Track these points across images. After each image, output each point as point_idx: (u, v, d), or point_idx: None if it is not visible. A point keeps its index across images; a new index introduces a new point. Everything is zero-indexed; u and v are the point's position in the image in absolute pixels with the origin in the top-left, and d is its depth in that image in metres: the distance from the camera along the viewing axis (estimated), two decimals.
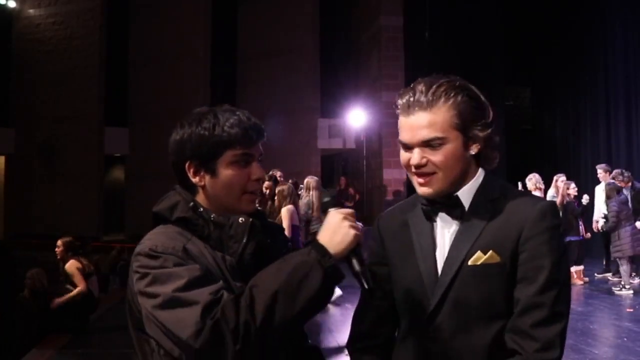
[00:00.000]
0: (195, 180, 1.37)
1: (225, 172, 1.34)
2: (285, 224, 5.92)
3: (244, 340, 1.14)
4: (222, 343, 1.15)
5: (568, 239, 8.66)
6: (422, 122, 1.32)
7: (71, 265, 6.27)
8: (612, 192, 8.14)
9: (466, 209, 1.38)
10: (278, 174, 7.28)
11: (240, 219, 1.34)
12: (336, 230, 1.24)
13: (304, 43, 15.25)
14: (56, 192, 15.38)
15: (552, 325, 1.28)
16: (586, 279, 8.72)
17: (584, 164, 12.73)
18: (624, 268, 7.96)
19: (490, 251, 1.32)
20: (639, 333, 5.95)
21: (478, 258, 1.33)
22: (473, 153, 1.37)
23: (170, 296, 1.19)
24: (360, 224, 1.27)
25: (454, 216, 1.39)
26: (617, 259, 8.15)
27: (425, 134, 1.32)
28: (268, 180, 6.33)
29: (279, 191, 6.16)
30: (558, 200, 8.78)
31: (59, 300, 6.17)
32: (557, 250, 1.31)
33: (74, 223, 14.61)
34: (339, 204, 1.48)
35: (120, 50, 16.17)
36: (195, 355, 1.17)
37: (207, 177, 1.36)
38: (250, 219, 1.34)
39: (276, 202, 6.19)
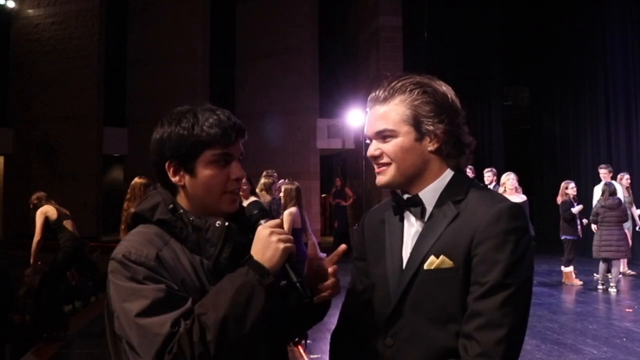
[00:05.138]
0: (175, 180, 1.36)
1: (204, 172, 1.33)
2: (285, 227, 5.85)
3: None
4: None
5: (564, 237, 8.68)
6: (377, 115, 1.41)
7: (40, 213, 6.06)
8: (605, 193, 8.27)
9: (429, 209, 1.38)
10: (275, 174, 7.22)
11: (217, 222, 1.32)
12: (266, 246, 1.28)
13: (302, 43, 15.24)
14: (55, 192, 15.33)
15: (494, 331, 1.23)
16: (580, 282, 8.73)
17: (583, 164, 12.71)
18: (614, 267, 8.15)
19: (442, 256, 1.31)
20: (638, 333, 5.96)
21: (432, 262, 1.32)
22: (431, 149, 1.38)
23: (133, 320, 1.20)
24: (289, 236, 1.31)
25: (416, 216, 1.40)
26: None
27: (378, 125, 1.40)
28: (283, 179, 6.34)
29: (285, 191, 6.04)
30: (558, 199, 8.80)
31: (32, 259, 6.03)
32: (511, 255, 1.26)
33: None
34: (267, 216, 1.45)
35: (118, 50, 16.17)
36: None
37: (187, 177, 1.35)
38: (227, 223, 1.33)
39: (282, 202, 6.09)
